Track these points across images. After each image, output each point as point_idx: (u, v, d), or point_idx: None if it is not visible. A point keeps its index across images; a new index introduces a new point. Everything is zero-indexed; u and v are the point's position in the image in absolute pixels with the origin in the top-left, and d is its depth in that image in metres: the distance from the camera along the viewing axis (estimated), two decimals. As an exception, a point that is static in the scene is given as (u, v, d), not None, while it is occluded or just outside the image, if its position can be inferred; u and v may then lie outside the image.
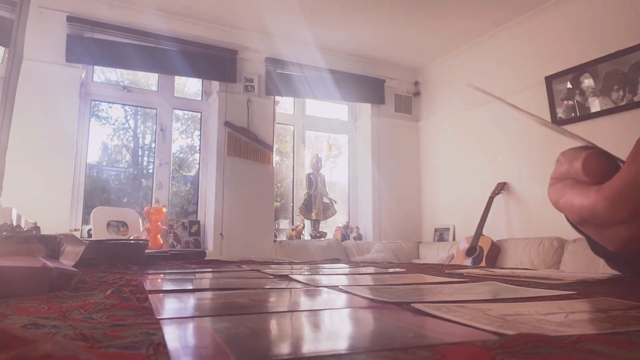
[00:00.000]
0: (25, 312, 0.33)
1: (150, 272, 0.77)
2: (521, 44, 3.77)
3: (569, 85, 3.36)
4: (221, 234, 3.76)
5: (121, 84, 4.00)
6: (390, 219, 4.51)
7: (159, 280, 0.64)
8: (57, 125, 3.33)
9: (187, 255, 1.22)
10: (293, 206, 4.54)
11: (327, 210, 4.45)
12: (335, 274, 0.77)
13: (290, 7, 3.61)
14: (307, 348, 0.23)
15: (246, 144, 3.96)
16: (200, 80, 4.20)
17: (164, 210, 3.67)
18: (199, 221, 4.00)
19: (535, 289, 0.50)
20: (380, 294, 0.44)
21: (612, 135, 3.08)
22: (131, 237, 3.07)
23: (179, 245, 3.79)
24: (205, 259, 1.28)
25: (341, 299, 0.44)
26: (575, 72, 3.31)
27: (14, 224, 1.47)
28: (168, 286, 0.55)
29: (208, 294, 0.46)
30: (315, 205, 4.39)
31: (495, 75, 3.99)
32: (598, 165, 0.37)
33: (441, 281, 0.60)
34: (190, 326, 0.29)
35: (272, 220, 4.09)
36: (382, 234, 4.46)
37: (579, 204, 0.37)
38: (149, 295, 0.41)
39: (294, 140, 4.60)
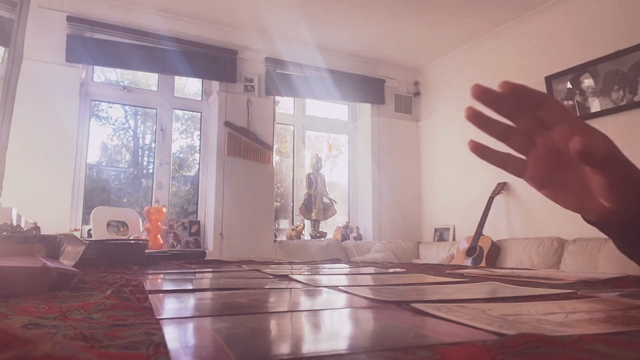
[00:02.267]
0: (25, 312, 0.32)
1: (150, 272, 0.77)
2: (521, 44, 3.77)
3: (569, 85, 3.36)
4: (221, 234, 3.76)
5: (121, 84, 4.00)
6: (390, 219, 4.51)
7: (159, 280, 0.64)
8: (57, 125, 3.33)
9: (187, 255, 1.22)
10: (293, 206, 4.54)
11: (327, 210, 4.45)
12: (335, 274, 0.77)
13: (290, 7, 3.61)
14: (307, 348, 0.23)
15: (246, 144, 3.96)
16: (200, 80, 4.20)
17: (164, 210, 3.67)
18: (199, 221, 4.00)
19: (536, 288, 0.50)
20: (380, 294, 0.44)
21: (612, 135, 3.05)
22: (131, 237, 3.07)
23: (179, 245, 3.79)
24: (205, 259, 1.28)
25: (341, 299, 0.44)
26: (575, 72, 3.31)
27: (14, 224, 1.47)
28: (168, 286, 0.55)
29: (208, 294, 0.46)
30: (315, 205, 4.39)
31: (496, 75, 3.99)
32: None
33: (441, 281, 0.60)
34: (190, 326, 0.29)
35: (272, 220, 4.09)
36: (382, 234, 4.45)
37: None
38: (149, 295, 0.41)
39: (294, 140, 4.60)
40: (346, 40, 4.20)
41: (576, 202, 0.48)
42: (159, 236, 3.56)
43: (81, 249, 0.85)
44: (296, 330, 0.28)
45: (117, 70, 4.01)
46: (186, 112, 4.35)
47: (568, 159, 0.46)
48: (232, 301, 0.40)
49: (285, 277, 0.65)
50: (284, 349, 0.23)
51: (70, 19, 3.43)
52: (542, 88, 3.50)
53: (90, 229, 3.38)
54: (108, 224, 3.36)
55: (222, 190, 3.81)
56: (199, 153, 4.19)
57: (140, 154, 4.36)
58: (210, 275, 0.73)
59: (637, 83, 2.94)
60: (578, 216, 0.52)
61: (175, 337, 0.25)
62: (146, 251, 1.03)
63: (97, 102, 3.92)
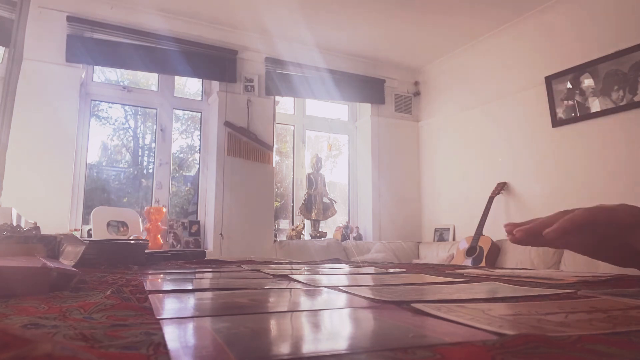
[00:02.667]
0: (25, 312, 0.32)
1: (150, 272, 0.77)
2: (521, 43, 3.77)
3: (569, 85, 3.36)
4: (221, 234, 3.76)
5: (121, 84, 4.00)
6: (390, 219, 4.51)
7: (159, 280, 0.64)
8: (57, 125, 3.33)
9: (187, 255, 1.22)
10: (293, 206, 4.54)
11: (327, 210, 4.45)
12: (335, 274, 0.77)
13: (290, 7, 3.61)
14: (307, 348, 0.23)
15: (246, 144, 3.96)
16: (200, 80, 4.20)
17: (164, 210, 3.67)
18: (199, 221, 4.00)
19: (536, 288, 0.50)
20: (380, 293, 0.44)
21: (612, 135, 3.08)
22: (131, 237, 3.07)
23: (179, 245, 3.79)
24: (205, 259, 1.28)
25: (341, 299, 0.44)
26: (575, 72, 3.31)
27: (14, 224, 1.46)
28: (168, 286, 0.55)
29: (208, 294, 0.46)
30: (315, 205, 4.39)
31: (496, 75, 3.99)
32: None
33: (441, 281, 0.60)
34: (190, 326, 0.29)
35: (272, 220, 4.09)
36: (382, 234, 4.45)
37: None
38: (149, 295, 0.41)
39: (294, 140, 4.60)
40: (346, 40, 4.20)
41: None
42: (159, 236, 3.56)
43: (81, 249, 0.85)
44: (296, 330, 0.28)
45: (117, 70, 4.01)
46: (186, 112, 4.35)
47: (609, 234, 0.52)
48: (232, 301, 0.40)
49: (285, 277, 0.65)
50: (284, 349, 0.23)
51: (70, 19, 3.43)
52: (542, 88, 3.50)
53: (90, 229, 3.38)
54: (108, 224, 3.36)
55: (222, 190, 3.81)
56: (199, 153, 4.19)
57: (140, 154, 4.36)
58: (210, 275, 0.73)
59: (637, 83, 2.94)
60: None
61: (175, 337, 0.25)
62: (146, 251, 1.03)
63: (97, 102, 3.92)
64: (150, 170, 4.05)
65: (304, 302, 0.42)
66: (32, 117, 3.18)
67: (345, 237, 4.32)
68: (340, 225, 4.53)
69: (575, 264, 2.93)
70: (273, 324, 0.30)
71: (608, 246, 0.55)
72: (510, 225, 0.57)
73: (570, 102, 3.35)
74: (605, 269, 2.76)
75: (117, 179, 4.21)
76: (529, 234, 0.54)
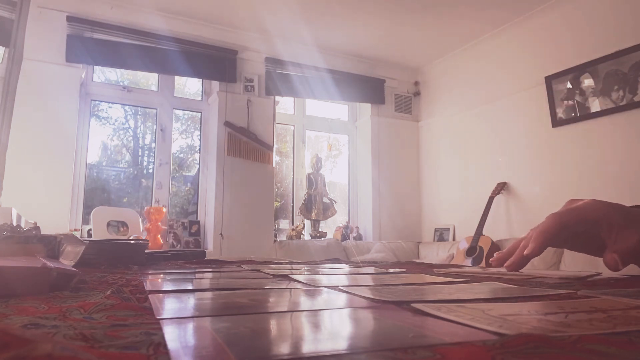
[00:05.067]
0: (25, 312, 0.32)
1: (150, 272, 0.77)
2: (521, 44, 3.77)
3: (569, 85, 3.36)
4: (221, 234, 3.76)
5: (121, 84, 4.00)
6: (390, 219, 4.51)
7: (159, 280, 0.64)
8: (57, 125, 3.33)
9: (187, 255, 1.22)
10: (293, 206, 4.54)
11: (327, 210, 4.45)
12: (335, 274, 0.77)
13: (290, 7, 3.61)
14: (307, 348, 0.23)
15: (246, 144, 3.96)
16: (200, 80, 4.20)
17: (164, 210, 3.67)
18: (199, 221, 4.00)
19: (536, 288, 0.50)
20: (380, 293, 0.44)
21: (612, 135, 3.08)
22: (131, 237, 3.07)
23: (179, 245, 3.79)
24: (205, 259, 1.28)
25: (341, 299, 0.44)
26: (575, 72, 3.31)
27: (14, 224, 1.46)
28: (168, 286, 0.55)
29: (208, 294, 0.46)
30: (315, 205, 4.39)
31: (495, 75, 3.99)
32: None
33: (441, 281, 0.60)
34: (190, 326, 0.29)
35: (272, 220, 4.09)
36: (382, 234, 4.45)
37: None
38: (149, 295, 0.41)
39: (294, 140, 4.60)
40: (346, 40, 4.20)
41: (598, 252, 0.60)
42: (159, 236, 3.56)
43: (81, 249, 0.85)
44: (296, 330, 0.28)
45: (117, 70, 4.01)
46: (186, 112, 4.35)
47: (579, 230, 0.60)
48: (232, 301, 0.40)
49: (285, 277, 0.65)
50: (284, 349, 0.23)
51: (70, 19, 3.43)
52: (542, 88, 3.50)
53: (90, 229, 3.38)
54: (108, 224, 3.36)
55: (222, 190, 3.81)
56: (199, 153, 4.19)
57: (140, 154, 4.36)
58: (210, 275, 0.73)
59: (637, 83, 2.94)
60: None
61: (175, 337, 0.25)
62: (146, 251, 1.03)
63: (97, 102, 3.92)
64: (150, 170, 4.05)
65: (304, 302, 0.42)
66: (32, 117, 3.17)
67: (345, 237, 4.32)
68: (340, 225, 4.53)
69: (575, 264, 2.93)
70: (273, 324, 0.30)
71: (582, 240, 0.63)
72: (496, 261, 0.67)
73: (570, 102, 3.35)
74: (605, 268, 2.76)
75: (117, 179, 4.21)
76: (516, 264, 0.63)
